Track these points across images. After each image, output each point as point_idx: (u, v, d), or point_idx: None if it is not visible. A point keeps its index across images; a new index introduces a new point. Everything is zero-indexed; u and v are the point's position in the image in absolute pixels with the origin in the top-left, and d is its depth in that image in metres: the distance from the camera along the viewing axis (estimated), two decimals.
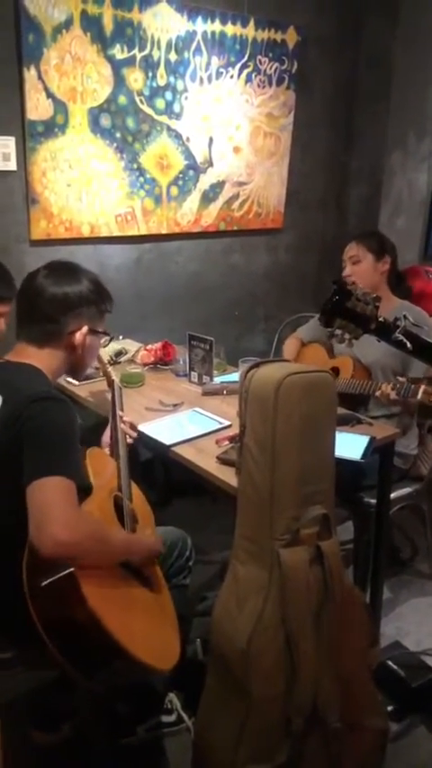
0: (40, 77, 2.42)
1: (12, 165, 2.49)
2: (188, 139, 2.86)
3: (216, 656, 1.54)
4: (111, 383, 1.94)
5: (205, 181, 2.98)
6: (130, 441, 1.74)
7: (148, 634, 1.30)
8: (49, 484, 1.21)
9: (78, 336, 1.50)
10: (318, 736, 1.49)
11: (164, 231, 2.93)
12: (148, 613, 1.37)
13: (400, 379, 2.06)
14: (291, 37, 3.01)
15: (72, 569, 1.19)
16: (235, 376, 2.32)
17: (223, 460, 1.71)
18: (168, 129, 2.79)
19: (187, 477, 1.92)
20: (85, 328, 1.50)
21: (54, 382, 1.50)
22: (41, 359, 1.47)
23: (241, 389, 1.46)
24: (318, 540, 1.46)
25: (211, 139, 2.93)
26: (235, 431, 1.84)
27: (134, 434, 1.78)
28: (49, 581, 1.19)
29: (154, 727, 1.75)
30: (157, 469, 2.95)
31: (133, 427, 1.79)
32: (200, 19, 2.72)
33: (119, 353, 2.55)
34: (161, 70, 2.70)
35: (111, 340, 1.74)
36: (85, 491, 1.35)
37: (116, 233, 2.79)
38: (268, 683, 1.45)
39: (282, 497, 1.42)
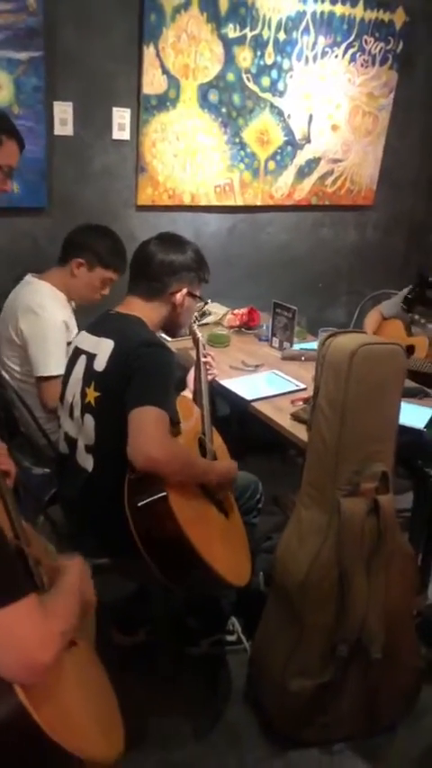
0: (157, 55, 2.62)
1: (126, 135, 2.72)
2: (289, 116, 3.00)
3: (277, 586, 1.76)
4: (196, 341, 2.16)
5: (302, 156, 3.11)
6: (211, 377, 1.97)
7: (224, 552, 1.54)
8: (148, 411, 1.45)
9: (178, 297, 1.72)
10: (359, 664, 1.69)
11: (258, 203, 3.10)
12: (225, 535, 1.62)
13: None
14: (399, 17, 3.07)
15: (165, 493, 1.44)
16: (313, 344, 2.50)
17: (297, 418, 1.91)
18: (271, 105, 2.93)
19: (260, 434, 2.13)
20: (184, 290, 1.73)
21: (155, 334, 1.74)
22: (146, 311, 1.70)
23: (319, 355, 1.65)
24: (376, 494, 1.64)
25: (311, 117, 3.05)
26: (309, 393, 2.04)
27: (215, 370, 2.04)
28: (146, 501, 1.45)
29: (216, 643, 2.01)
30: (233, 425, 3.17)
31: (211, 365, 2.03)
32: None
33: (203, 314, 2.76)
34: (269, 49, 2.84)
35: (205, 305, 1.96)
36: (174, 426, 1.58)
37: (214, 202, 2.98)
38: (320, 614, 1.66)
39: (346, 452, 1.61)
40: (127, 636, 1.96)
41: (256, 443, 3.11)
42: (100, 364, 1.60)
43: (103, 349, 1.61)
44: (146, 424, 1.44)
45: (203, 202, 2.96)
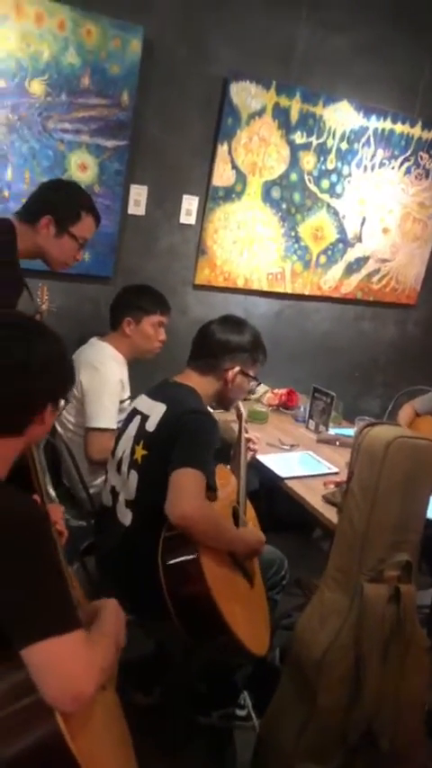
0: (229, 152, 2.88)
1: (192, 220, 2.95)
2: (344, 217, 3.22)
3: (293, 662, 1.80)
4: (240, 416, 2.28)
5: (352, 254, 3.31)
6: (251, 453, 2.06)
7: (247, 620, 1.61)
8: (187, 472, 1.57)
9: (230, 374, 1.86)
10: (367, 754, 1.70)
11: (306, 292, 3.28)
12: (249, 603, 1.68)
13: None
14: None
15: (197, 555, 1.53)
16: (348, 431, 2.60)
17: (328, 500, 2.00)
18: (328, 206, 3.16)
19: (286, 514, 2.20)
20: (237, 368, 1.87)
21: (205, 405, 1.87)
22: (200, 383, 1.85)
23: (356, 441, 1.75)
24: (398, 583, 1.70)
25: (363, 219, 3.27)
26: (341, 477, 2.12)
27: (256, 447, 2.14)
28: (178, 560, 1.54)
29: (226, 716, 2.02)
30: (261, 501, 3.24)
31: (254, 441, 2.13)
32: (374, 117, 3.10)
33: (249, 392, 2.90)
34: (332, 156, 3.09)
35: (258, 384, 2.09)
36: (211, 491, 1.68)
37: (265, 288, 3.17)
38: (333, 695, 1.69)
39: (374, 539, 1.68)
40: (144, 696, 2.00)
41: (282, 522, 3.17)
42: (151, 425, 1.74)
43: (156, 411, 1.75)
44: (184, 483, 1.55)
45: (255, 287, 3.15)
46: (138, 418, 1.82)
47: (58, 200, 1.95)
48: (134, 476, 1.75)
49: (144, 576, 1.59)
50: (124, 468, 1.80)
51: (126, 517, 1.77)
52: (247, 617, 1.64)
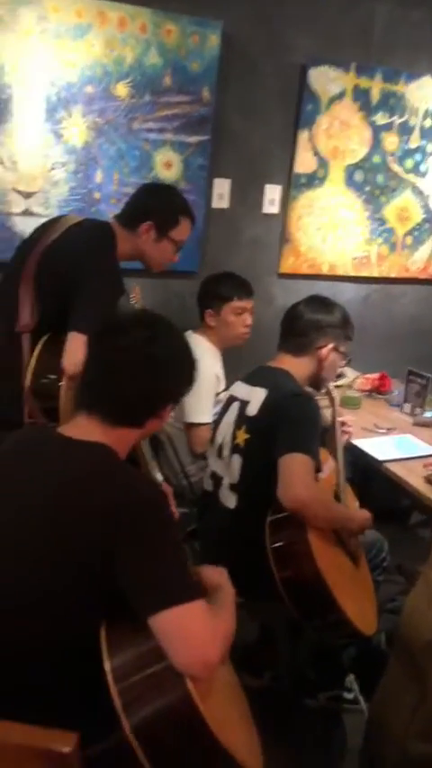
0: (310, 139, 2.87)
1: (275, 209, 2.96)
2: (429, 196, 3.14)
3: (401, 644, 1.78)
4: (332, 400, 2.27)
5: None
6: (346, 436, 2.08)
7: (355, 599, 1.62)
8: (297, 457, 1.59)
9: (324, 351, 1.87)
10: None
11: (393, 275, 3.23)
12: (355, 583, 1.69)
13: None
14: None
15: (305, 536, 1.55)
16: None
17: (430, 481, 1.97)
18: (413, 186, 3.09)
19: (381, 500, 2.17)
20: (330, 345, 1.87)
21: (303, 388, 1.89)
22: (294, 366, 1.86)
23: None
24: None
25: None
26: None
27: (351, 429, 2.14)
28: (287, 541, 1.57)
29: (334, 698, 2.03)
30: (356, 488, 3.22)
31: (349, 424, 2.14)
32: None
33: (338, 376, 2.88)
34: (415, 134, 3.02)
35: (349, 361, 2.08)
36: (317, 472, 1.70)
37: (351, 273, 3.14)
38: None
39: None
40: (254, 679, 2.03)
41: (377, 509, 3.13)
42: (252, 410, 1.77)
43: (256, 397, 1.78)
44: (295, 469, 1.58)
45: (341, 272, 3.13)
46: (236, 404, 1.85)
47: (158, 206, 1.98)
48: (237, 459, 1.79)
49: (250, 558, 1.62)
50: (226, 452, 1.84)
51: (230, 500, 1.81)
52: (355, 596, 1.65)
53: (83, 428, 1.20)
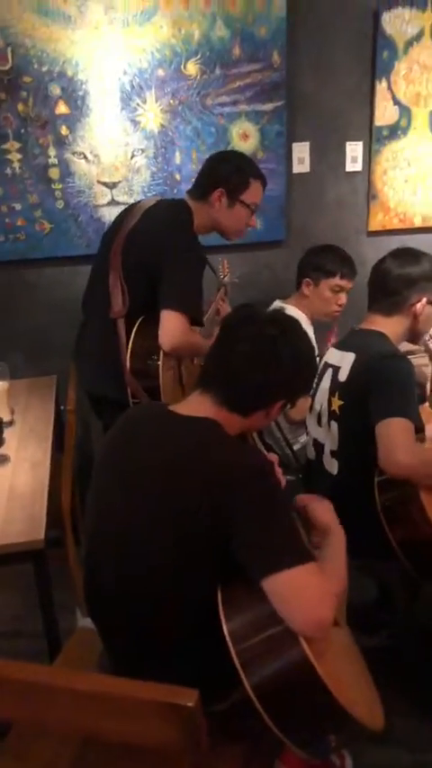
0: (389, 88, 2.75)
1: (358, 167, 2.88)
2: None
3: None
4: (429, 352, 2.21)
5: None
6: None
7: None
8: (395, 422, 1.57)
9: (419, 306, 1.81)
10: None
11: None
12: None
13: None
14: None
15: (414, 493, 1.53)
16: None
17: None
18: None
19: None
20: (424, 299, 1.81)
21: (396, 347, 1.84)
22: (387, 326, 1.82)
23: None
24: None
25: None
26: None
27: None
28: (397, 500, 1.56)
29: None
30: None
31: None
32: None
33: None
34: None
35: None
36: (418, 433, 1.66)
37: None
38: None
39: None
40: (370, 637, 2.05)
41: None
42: (343, 375, 1.76)
43: (346, 361, 1.77)
44: (394, 435, 1.56)
45: None
46: (330, 371, 1.84)
47: (226, 172, 2.01)
48: (335, 426, 1.79)
49: (360, 520, 1.62)
50: (324, 420, 1.84)
51: (333, 466, 1.82)
52: None
53: (194, 406, 1.26)
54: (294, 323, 1.33)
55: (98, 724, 1.03)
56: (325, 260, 2.40)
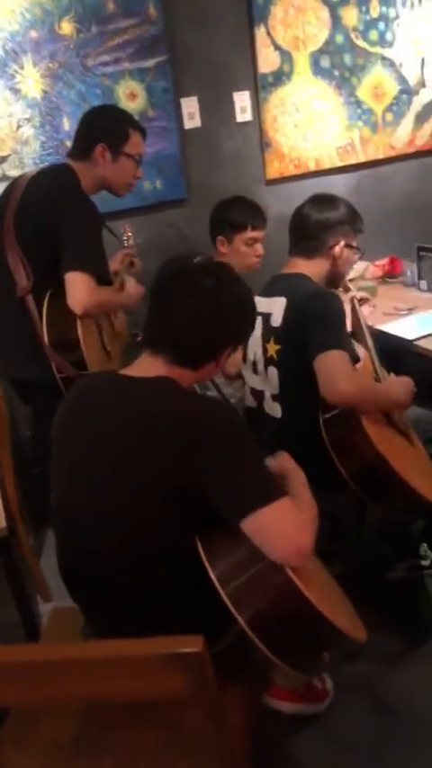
0: (268, 33, 2.76)
1: (248, 116, 2.88)
2: (401, 65, 3.03)
3: None
4: (347, 289, 2.27)
5: (418, 102, 3.13)
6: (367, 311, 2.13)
7: (417, 472, 1.68)
8: (333, 354, 1.62)
9: (337, 249, 1.87)
10: None
11: (380, 156, 3.16)
12: (414, 458, 1.76)
13: None
14: None
15: (360, 424, 1.60)
16: None
17: None
18: (382, 58, 2.98)
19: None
20: (342, 242, 1.87)
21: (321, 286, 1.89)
22: (309, 268, 1.87)
23: None
24: None
25: (423, 60, 3.07)
26: None
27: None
28: (344, 433, 1.62)
29: (411, 568, 2.14)
30: None
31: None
32: None
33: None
34: (374, 3, 2.89)
35: (362, 254, 2.07)
36: (354, 361, 1.74)
37: (338, 164, 3.08)
38: None
39: None
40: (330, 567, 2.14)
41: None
42: (276, 320, 1.79)
43: (276, 306, 1.80)
44: (333, 366, 1.61)
45: (328, 165, 3.07)
46: (259, 319, 1.87)
47: (103, 127, 1.99)
48: (273, 371, 1.83)
49: (309, 456, 1.67)
50: (260, 367, 1.88)
51: (275, 410, 1.86)
52: (417, 469, 1.72)
53: (145, 367, 1.26)
54: (227, 268, 1.34)
55: (105, 690, 1.03)
56: (233, 214, 2.39)
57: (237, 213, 2.39)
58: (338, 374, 1.60)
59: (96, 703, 1.11)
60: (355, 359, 1.74)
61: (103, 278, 1.94)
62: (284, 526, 1.11)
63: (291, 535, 1.11)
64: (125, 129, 1.99)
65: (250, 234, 2.38)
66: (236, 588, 1.12)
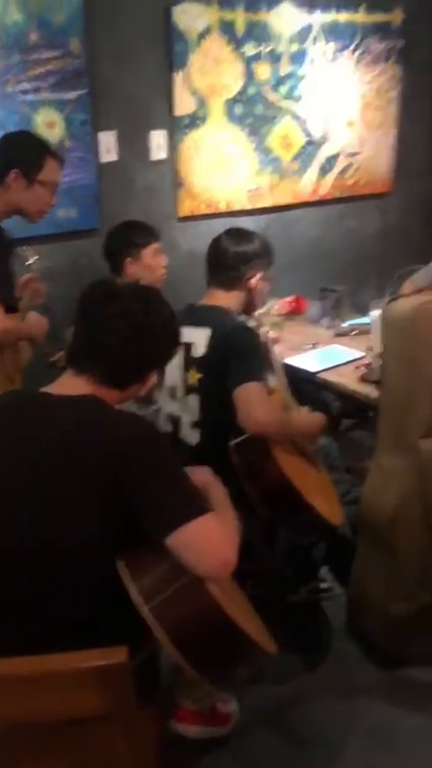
0: (185, 79, 2.89)
1: (163, 155, 2.99)
2: (307, 119, 3.26)
3: (366, 525, 1.99)
4: (259, 324, 2.39)
5: (322, 154, 3.37)
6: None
7: (321, 497, 1.79)
8: (251, 386, 1.72)
9: (254, 281, 1.98)
10: None
11: (287, 202, 3.35)
12: (318, 483, 1.86)
13: None
14: (397, 16, 3.33)
15: (269, 450, 1.69)
16: (360, 320, 2.74)
17: (366, 379, 2.16)
18: (290, 111, 3.20)
19: None
20: (259, 274, 1.99)
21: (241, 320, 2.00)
22: (227, 299, 1.97)
23: (383, 319, 1.89)
24: None
25: (326, 117, 3.31)
26: (368, 360, 2.28)
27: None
28: (254, 459, 1.70)
29: (313, 590, 2.24)
30: None
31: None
32: (317, 11, 3.10)
33: None
34: (284, 61, 3.11)
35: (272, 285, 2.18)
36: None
37: (248, 206, 3.24)
38: (410, 543, 1.90)
39: (418, 398, 1.85)
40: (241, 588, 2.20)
41: None
42: (199, 350, 1.87)
43: (199, 337, 1.88)
44: (252, 397, 1.71)
45: (238, 207, 3.22)
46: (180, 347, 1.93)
47: (18, 153, 2.01)
48: (194, 398, 1.89)
49: (223, 481, 1.74)
50: (179, 394, 1.93)
51: (193, 437, 1.92)
52: (320, 494, 1.82)
53: (67, 386, 1.27)
54: (155, 292, 1.39)
55: (25, 708, 1.02)
56: (133, 234, 2.47)
57: (136, 232, 2.48)
58: (256, 405, 1.70)
59: (14, 722, 1.08)
60: (269, 392, 1.84)
61: (9, 306, 1.94)
62: (210, 540, 1.15)
63: (216, 549, 1.15)
64: (41, 156, 2.01)
65: (154, 245, 2.47)
66: (159, 603, 1.15)
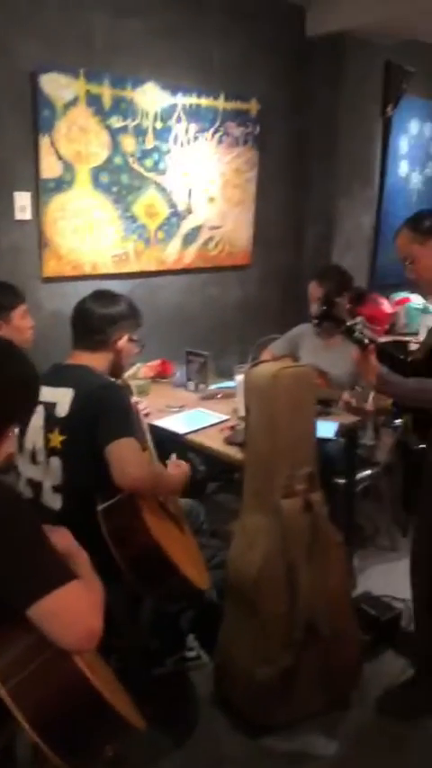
0: (52, 144, 2.92)
1: (28, 215, 2.96)
2: (171, 192, 3.39)
3: (232, 588, 1.99)
4: (127, 386, 2.39)
5: (186, 226, 3.51)
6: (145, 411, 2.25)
7: (188, 561, 1.76)
8: (124, 442, 1.69)
9: (120, 343, 1.98)
10: (313, 645, 1.95)
11: (152, 268, 3.43)
12: (185, 546, 1.84)
13: (358, 388, 2.58)
14: (253, 106, 3.61)
15: (139, 514, 1.65)
16: (224, 383, 2.82)
17: (231, 441, 2.21)
18: (155, 183, 3.32)
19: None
20: (125, 337, 1.99)
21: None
22: (93, 360, 1.94)
23: (246, 383, 1.96)
24: (307, 493, 1.95)
25: (190, 191, 3.47)
26: (233, 423, 2.34)
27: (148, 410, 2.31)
28: (124, 523, 1.66)
29: (180, 660, 2.17)
30: None
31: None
32: (180, 94, 3.29)
33: None
34: (149, 136, 3.24)
35: (143, 347, 2.18)
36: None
37: (113, 270, 3.27)
38: (274, 603, 1.92)
39: (279, 460, 1.91)
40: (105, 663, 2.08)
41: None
42: (62, 410, 1.81)
43: (61, 397, 1.82)
44: (125, 453, 1.68)
45: (103, 271, 3.24)
46: (41, 408, 1.87)
47: None
48: (56, 461, 1.82)
49: (86, 547, 1.67)
50: (41, 458, 1.85)
51: (55, 501, 1.83)
52: (188, 558, 1.80)
53: None
54: (13, 345, 1.32)
55: None
56: (1, 297, 2.42)
57: (3, 294, 2.42)
58: (131, 461, 1.67)
59: None
60: (142, 447, 1.82)
61: None
62: (75, 609, 1.09)
63: (82, 617, 1.10)
64: None
65: (23, 307, 2.42)
66: (19, 683, 1.06)
